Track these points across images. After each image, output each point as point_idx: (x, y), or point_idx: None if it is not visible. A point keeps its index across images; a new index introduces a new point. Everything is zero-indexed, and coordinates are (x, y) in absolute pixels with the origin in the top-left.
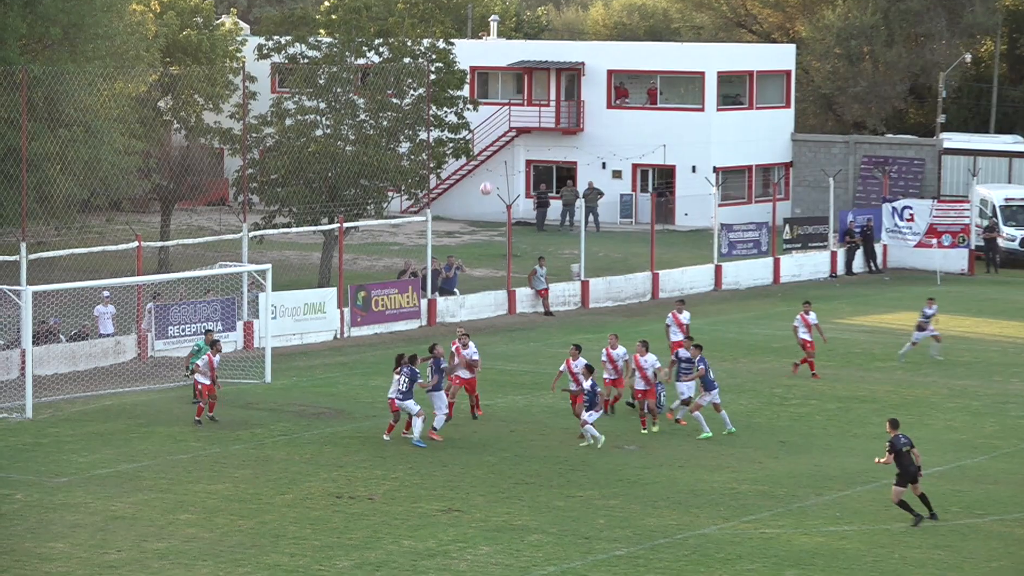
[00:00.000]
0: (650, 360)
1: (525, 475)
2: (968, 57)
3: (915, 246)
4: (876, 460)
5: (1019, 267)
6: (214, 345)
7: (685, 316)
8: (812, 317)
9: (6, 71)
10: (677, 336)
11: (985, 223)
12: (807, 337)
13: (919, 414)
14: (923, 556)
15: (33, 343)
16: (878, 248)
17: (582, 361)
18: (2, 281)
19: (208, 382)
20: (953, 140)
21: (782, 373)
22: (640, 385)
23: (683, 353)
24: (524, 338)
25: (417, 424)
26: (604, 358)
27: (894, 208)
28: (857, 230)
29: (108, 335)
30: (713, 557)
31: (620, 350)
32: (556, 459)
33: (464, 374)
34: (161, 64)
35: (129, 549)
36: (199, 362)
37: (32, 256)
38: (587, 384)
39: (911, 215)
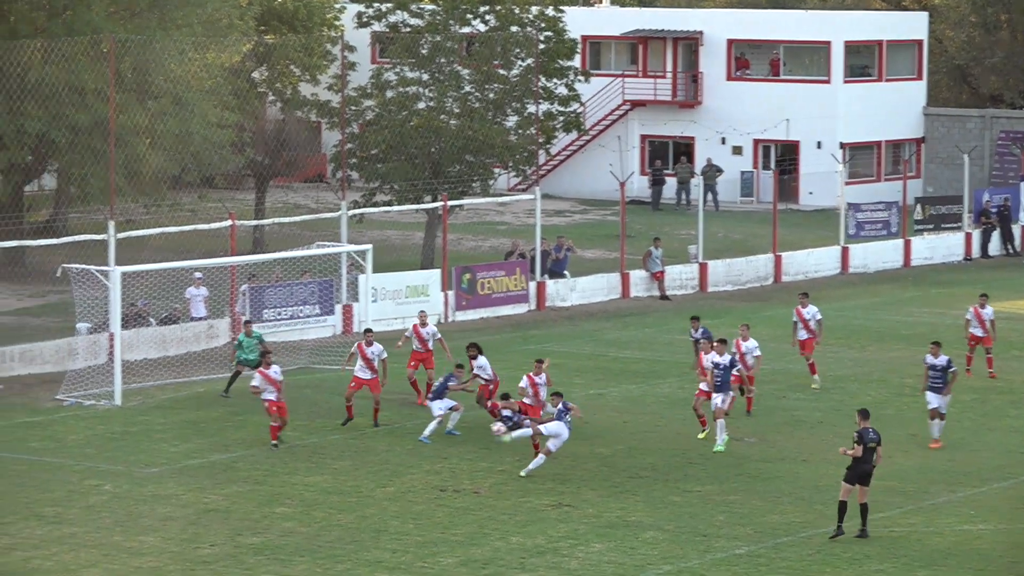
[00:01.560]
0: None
1: (639, 468)
2: None
3: None
4: (841, 450)
5: None
6: (264, 357)
7: (809, 311)
8: (988, 312)
9: (93, 40)
10: (803, 335)
11: None
12: (978, 333)
13: None
14: None
15: (122, 326)
16: (1016, 229)
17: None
18: (90, 261)
19: (273, 398)
20: None
21: (912, 362)
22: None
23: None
24: (638, 324)
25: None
26: (734, 350)
27: None
28: (993, 210)
29: (200, 318)
30: (839, 557)
31: (751, 343)
32: (672, 452)
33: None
34: (255, 33)
35: (222, 543)
36: (256, 382)
37: (121, 235)
38: (724, 360)
39: None
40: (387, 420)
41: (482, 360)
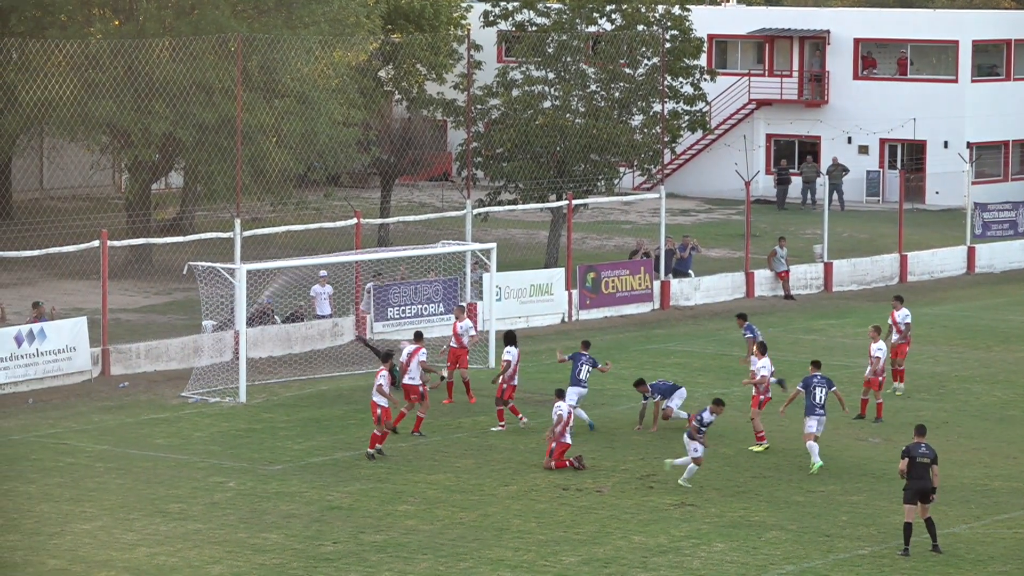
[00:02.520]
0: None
1: (763, 468)
2: None
3: None
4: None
5: None
6: (387, 359)
7: (901, 314)
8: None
9: (220, 38)
10: (896, 339)
11: None
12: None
13: None
14: None
15: (248, 324)
16: None
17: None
18: (216, 259)
19: (386, 404)
20: None
21: None
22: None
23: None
24: (763, 323)
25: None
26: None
27: None
28: None
29: (325, 316)
30: (963, 558)
31: (878, 344)
32: (796, 452)
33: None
34: (382, 31)
35: (346, 541)
36: (382, 381)
37: (247, 233)
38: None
39: None
40: (511, 419)
41: (512, 350)
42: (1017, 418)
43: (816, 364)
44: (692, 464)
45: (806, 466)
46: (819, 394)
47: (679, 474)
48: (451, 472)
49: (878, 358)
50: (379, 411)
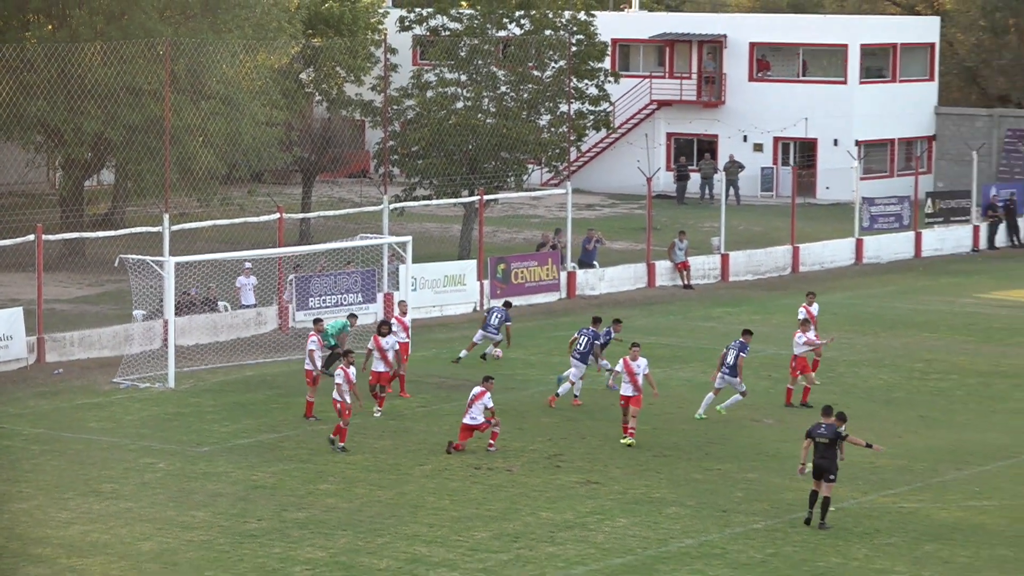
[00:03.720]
0: (642, 364)
1: (663, 448)
2: None
3: None
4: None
5: None
6: (346, 356)
7: (815, 308)
8: (814, 309)
9: (148, 43)
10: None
11: None
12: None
13: None
14: None
15: (176, 314)
16: (1022, 223)
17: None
18: (145, 252)
19: (348, 400)
20: None
21: (923, 347)
22: (628, 391)
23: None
24: (663, 311)
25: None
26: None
27: None
28: (1000, 204)
29: (250, 306)
30: (851, 531)
31: (808, 334)
32: (694, 432)
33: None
34: (303, 36)
35: (269, 518)
36: (339, 380)
37: (175, 227)
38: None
39: None
40: (425, 402)
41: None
42: (902, 400)
43: (747, 332)
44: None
45: (704, 445)
46: (730, 356)
47: (586, 451)
48: (369, 453)
49: (813, 341)
50: (338, 406)
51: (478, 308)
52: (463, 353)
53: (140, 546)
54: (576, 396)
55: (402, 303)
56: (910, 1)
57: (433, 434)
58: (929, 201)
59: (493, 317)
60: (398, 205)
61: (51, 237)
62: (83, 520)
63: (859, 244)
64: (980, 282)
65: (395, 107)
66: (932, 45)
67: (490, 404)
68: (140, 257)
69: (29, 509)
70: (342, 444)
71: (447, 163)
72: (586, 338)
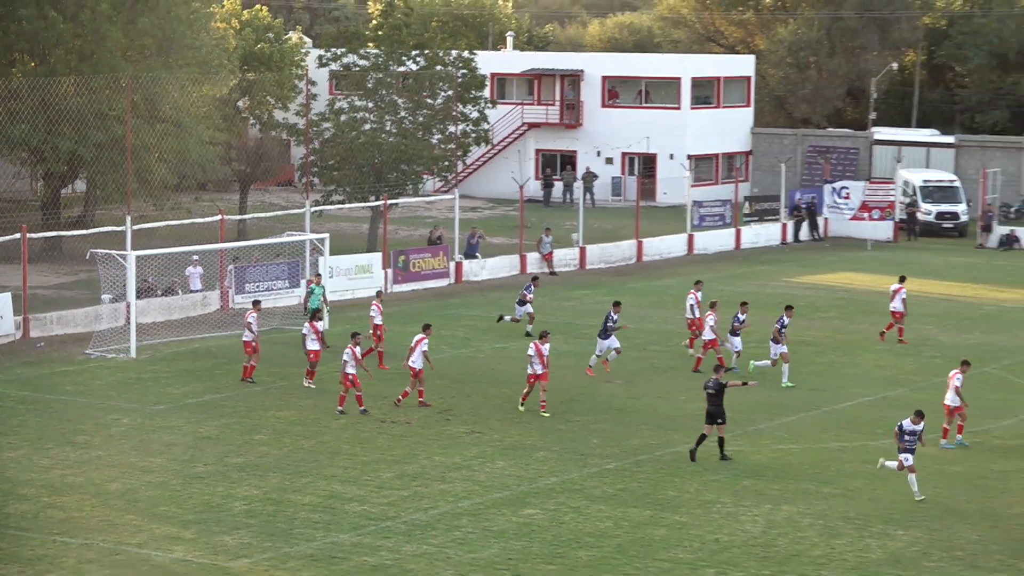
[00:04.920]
0: (546, 349)
1: (533, 404)
2: (895, 66)
3: (851, 219)
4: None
5: (934, 235)
6: (353, 337)
7: (700, 295)
8: (700, 295)
9: (113, 77)
10: (692, 315)
11: (907, 200)
12: (690, 316)
13: (853, 355)
14: (855, 469)
15: (137, 297)
16: (820, 221)
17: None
18: (111, 248)
19: (353, 371)
20: (882, 133)
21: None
22: (538, 369)
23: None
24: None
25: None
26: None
27: (834, 188)
28: (803, 206)
29: (197, 291)
30: (684, 470)
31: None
32: (558, 390)
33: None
34: (240, 71)
35: (214, 463)
36: (346, 357)
37: (135, 227)
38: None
39: (847, 194)
40: (340, 368)
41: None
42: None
43: (711, 304)
44: (910, 474)
45: (567, 402)
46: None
47: (471, 408)
48: (295, 410)
49: (712, 326)
50: (349, 380)
51: (384, 291)
52: (507, 317)
53: (108, 486)
54: (606, 361)
55: (379, 292)
56: (731, 43)
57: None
58: (747, 204)
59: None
60: (317, 208)
61: (34, 235)
62: (61, 466)
63: (691, 239)
64: (787, 269)
65: (315, 129)
66: (748, 78)
67: (426, 348)
68: (107, 251)
69: (16, 457)
70: (362, 408)
71: (357, 174)
72: (606, 318)
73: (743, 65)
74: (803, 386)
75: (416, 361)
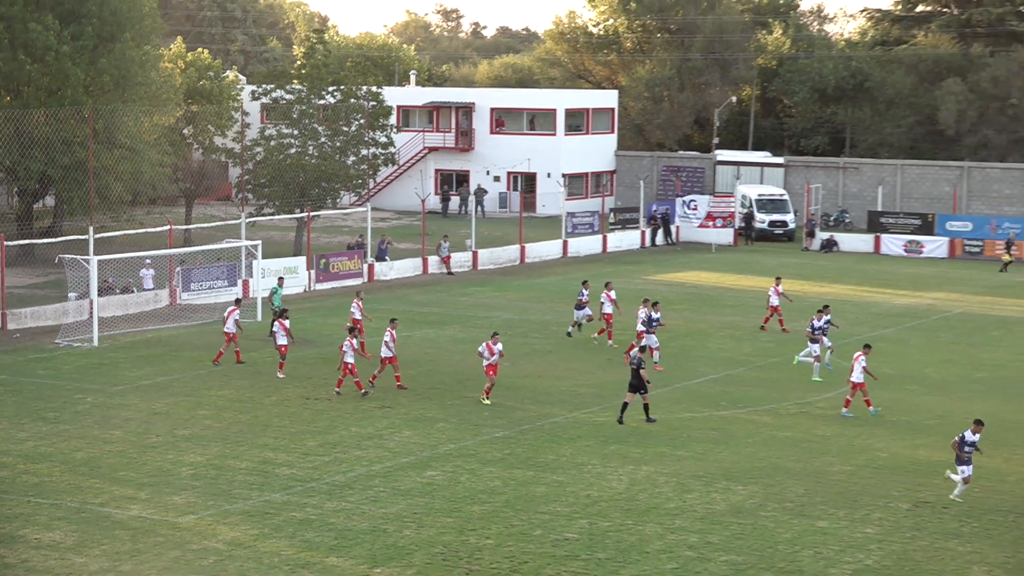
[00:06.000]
0: (499, 348)
1: (434, 383)
2: (734, 99)
3: (698, 227)
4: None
5: (767, 240)
6: (352, 332)
7: (613, 294)
8: (613, 294)
9: (77, 109)
10: (608, 309)
11: (745, 211)
12: (609, 309)
13: (700, 340)
14: (703, 435)
15: (99, 295)
16: (673, 228)
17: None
18: (77, 253)
19: (352, 360)
20: (723, 155)
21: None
22: (386, 352)
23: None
24: (434, 290)
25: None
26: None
27: (684, 201)
28: (659, 216)
29: (149, 289)
30: (561, 437)
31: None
32: (456, 373)
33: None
34: (184, 104)
35: (164, 435)
36: (346, 348)
37: (97, 236)
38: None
39: (695, 206)
40: (272, 354)
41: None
42: (595, 347)
43: (643, 301)
44: (962, 484)
45: (462, 381)
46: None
47: (381, 386)
48: (233, 389)
49: (643, 319)
50: (349, 366)
51: (307, 290)
52: (570, 328)
53: (74, 455)
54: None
55: (360, 292)
56: (597, 79)
57: (278, 376)
58: (612, 214)
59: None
60: (251, 219)
61: (10, 243)
62: (34, 438)
63: (565, 244)
64: (646, 268)
65: (249, 152)
66: (613, 109)
67: (386, 338)
68: (73, 256)
69: None
70: (363, 391)
71: (284, 190)
72: (644, 315)
73: (608, 98)
74: (662, 366)
75: (383, 350)
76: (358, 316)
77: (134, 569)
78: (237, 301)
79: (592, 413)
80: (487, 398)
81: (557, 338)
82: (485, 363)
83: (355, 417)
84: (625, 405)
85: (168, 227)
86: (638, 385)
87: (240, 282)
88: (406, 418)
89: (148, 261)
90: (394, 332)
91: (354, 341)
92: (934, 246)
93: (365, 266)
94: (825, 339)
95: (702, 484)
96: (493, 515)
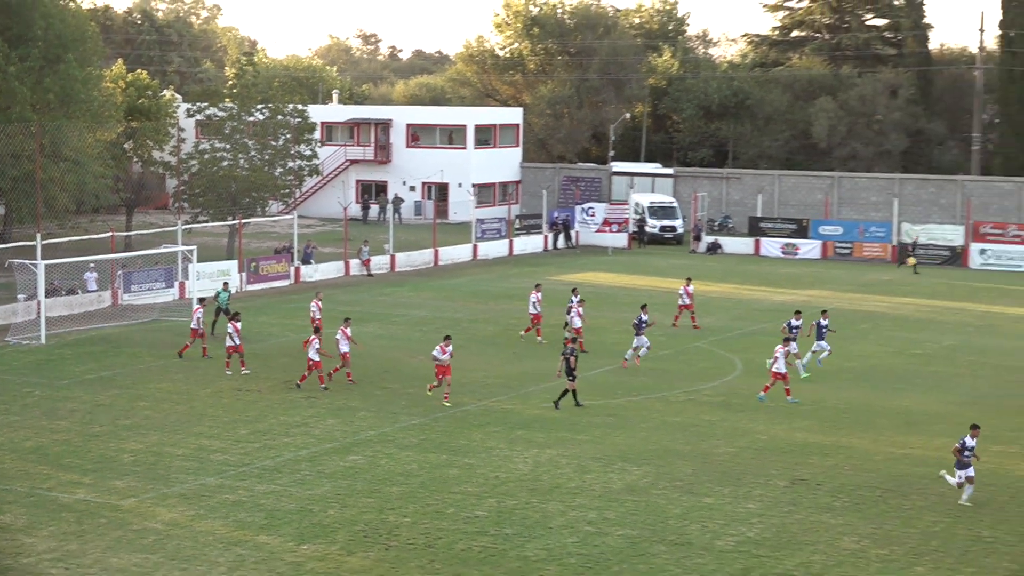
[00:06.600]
0: (449, 349)
1: (357, 375)
2: (628, 115)
3: (596, 231)
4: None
5: (658, 244)
6: (317, 332)
7: (539, 295)
8: (539, 296)
9: (26, 125)
10: (535, 309)
11: (638, 217)
12: (535, 311)
13: (599, 335)
14: (600, 420)
15: (46, 296)
16: (573, 233)
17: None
18: (26, 258)
19: (346, 349)
20: (618, 166)
21: (514, 310)
22: (445, 362)
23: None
24: (356, 291)
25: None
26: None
27: (583, 208)
28: (560, 222)
29: (93, 291)
30: (471, 423)
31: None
32: (376, 366)
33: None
34: (125, 120)
35: (107, 425)
36: (316, 346)
37: (44, 242)
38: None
39: (593, 212)
40: (211, 352)
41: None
42: (502, 342)
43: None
44: (968, 485)
45: (381, 374)
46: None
47: (308, 380)
48: (171, 383)
49: (581, 315)
50: (312, 363)
51: (239, 290)
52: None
53: (24, 444)
54: (637, 358)
55: (319, 292)
56: (504, 98)
57: (212, 370)
58: (517, 220)
59: (641, 325)
60: (187, 226)
61: None
62: None
63: (475, 248)
64: (549, 269)
65: (184, 165)
66: (518, 125)
67: (338, 336)
68: (22, 261)
69: None
70: (323, 386)
71: (218, 200)
72: (637, 319)
73: (513, 115)
74: (549, 359)
75: (342, 346)
76: (317, 316)
77: (79, 548)
78: (201, 301)
79: (500, 402)
80: (446, 400)
81: (468, 333)
82: (436, 363)
83: (283, 407)
84: (564, 392)
85: (110, 234)
86: (568, 372)
87: (177, 284)
88: (330, 407)
89: (92, 265)
90: (347, 331)
91: (348, 330)
92: (808, 248)
93: (292, 269)
94: (823, 342)
95: (600, 465)
96: (410, 495)
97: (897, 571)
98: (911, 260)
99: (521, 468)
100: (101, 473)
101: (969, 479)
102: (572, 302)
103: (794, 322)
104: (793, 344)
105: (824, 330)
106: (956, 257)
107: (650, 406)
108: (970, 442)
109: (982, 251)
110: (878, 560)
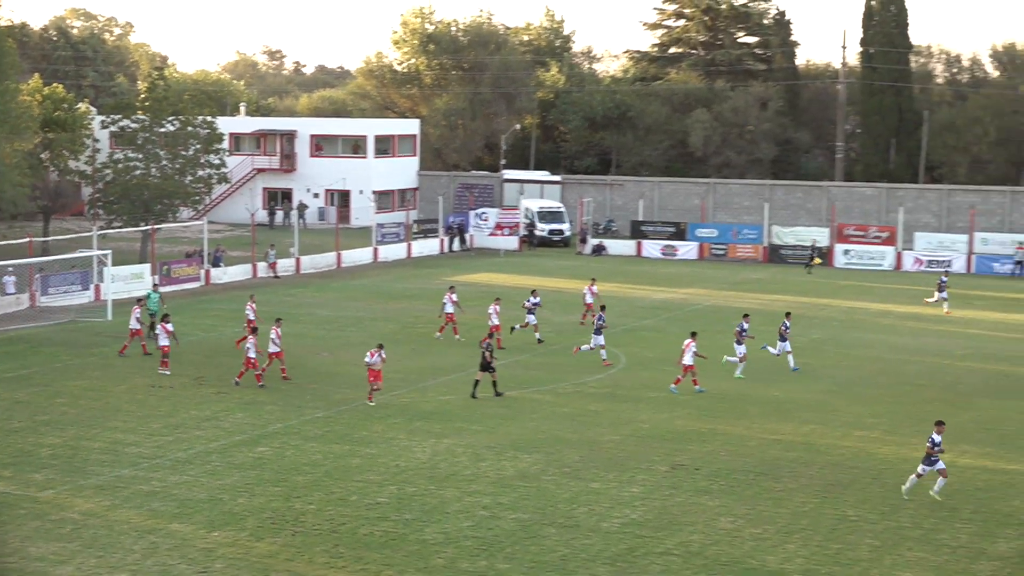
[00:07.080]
0: (383, 355)
1: (268, 375)
2: (518, 126)
3: (489, 235)
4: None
5: (547, 246)
6: (253, 332)
7: (455, 296)
8: (454, 296)
9: None
10: (450, 309)
11: (528, 221)
12: (449, 310)
13: (506, 328)
14: (494, 411)
15: None
16: (468, 237)
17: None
18: None
19: (255, 357)
20: (509, 174)
21: (413, 309)
22: (272, 348)
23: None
24: (263, 292)
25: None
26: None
27: (477, 213)
28: (455, 226)
29: (11, 294)
30: (374, 416)
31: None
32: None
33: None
34: (42, 131)
35: (26, 420)
36: (250, 345)
37: None
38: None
39: (486, 217)
40: (129, 351)
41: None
42: (402, 339)
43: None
44: (941, 478)
45: (288, 368)
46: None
47: (219, 376)
48: (88, 380)
49: (497, 312)
50: (252, 361)
51: (151, 292)
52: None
53: None
54: (598, 354)
55: (252, 295)
56: (402, 110)
57: (126, 367)
58: (415, 225)
59: (599, 326)
60: (102, 232)
61: None
62: None
63: (376, 251)
64: (445, 271)
65: (99, 173)
66: (415, 135)
67: (272, 336)
68: None
69: None
70: (260, 384)
71: (131, 206)
72: (598, 319)
73: (411, 126)
74: (459, 354)
75: (272, 346)
76: (252, 317)
77: None
78: (139, 300)
79: (399, 395)
80: (371, 401)
81: (369, 331)
82: (368, 367)
83: (195, 402)
84: (476, 383)
85: (28, 239)
86: (485, 366)
87: (92, 287)
88: (239, 402)
89: (10, 269)
90: (279, 330)
91: (255, 339)
92: (686, 250)
93: (202, 272)
94: (786, 344)
95: (494, 454)
96: (315, 484)
97: (769, 549)
98: (816, 260)
99: (420, 457)
100: (19, 467)
101: (941, 472)
102: (494, 307)
103: (745, 325)
104: (741, 347)
105: (787, 331)
106: (823, 256)
107: (540, 398)
108: (936, 438)
109: (846, 251)
110: (752, 539)
